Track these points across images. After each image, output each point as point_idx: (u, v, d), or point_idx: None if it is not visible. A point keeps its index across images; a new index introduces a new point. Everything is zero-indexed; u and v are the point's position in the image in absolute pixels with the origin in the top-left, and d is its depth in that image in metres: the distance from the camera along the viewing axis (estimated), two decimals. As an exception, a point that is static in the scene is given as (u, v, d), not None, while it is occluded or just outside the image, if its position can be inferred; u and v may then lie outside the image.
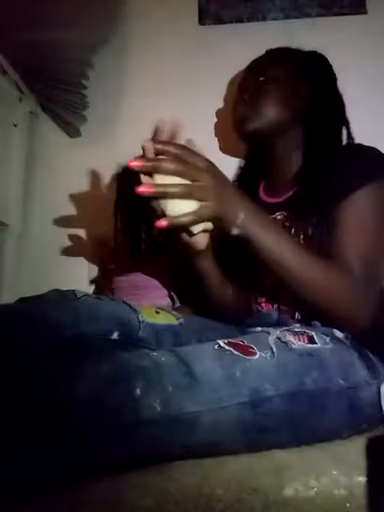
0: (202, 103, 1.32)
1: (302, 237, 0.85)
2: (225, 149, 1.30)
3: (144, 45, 1.38)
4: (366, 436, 0.65)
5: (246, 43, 1.32)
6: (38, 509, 0.52)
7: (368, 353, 0.75)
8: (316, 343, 0.71)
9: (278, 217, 0.91)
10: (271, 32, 1.32)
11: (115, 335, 0.76)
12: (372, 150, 0.87)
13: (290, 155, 0.97)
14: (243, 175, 1.09)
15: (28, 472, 0.52)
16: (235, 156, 1.19)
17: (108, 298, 0.85)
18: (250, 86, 0.99)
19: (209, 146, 1.28)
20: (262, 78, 0.97)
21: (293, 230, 0.86)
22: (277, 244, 0.73)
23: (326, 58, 1.02)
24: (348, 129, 0.98)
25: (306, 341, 0.71)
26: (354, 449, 0.62)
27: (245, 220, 0.69)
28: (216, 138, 1.32)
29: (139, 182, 0.94)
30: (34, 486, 0.52)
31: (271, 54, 1.03)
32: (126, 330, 0.78)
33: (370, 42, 1.31)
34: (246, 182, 1.05)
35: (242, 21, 1.36)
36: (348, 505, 0.54)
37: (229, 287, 0.94)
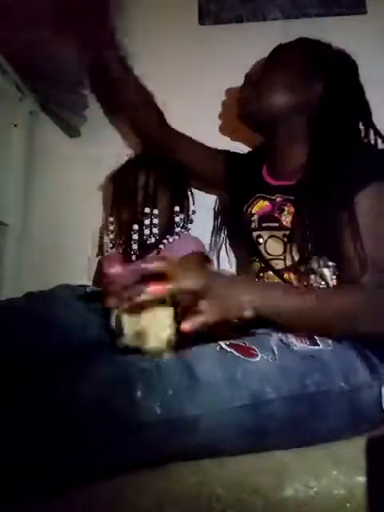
0: (202, 103, 1.32)
1: (297, 222, 0.86)
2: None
3: (144, 45, 1.38)
4: (365, 436, 0.65)
5: (246, 43, 1.32)
6: (39, 509, 0.52)
7: (370, 354, 0.75)
8: (318, 344, 0.71)
9: (278, 199, 0.93)
10: (271, 32, 1.32)
11: None
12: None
13: (293, 146, 0.95)
14: (247, 156, 1.11)
15: (29, 472, 0.52)
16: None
17: None
18: (259, 67, 0.98)
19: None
20: (273, 62, 0.96)
21: (286, 212, 0.89)
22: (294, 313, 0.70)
23: (352, 59, 0.99)
24: (373, 129, 0.94)
25: (308, 342, 0.71)
26: (354, 449, 0.62)
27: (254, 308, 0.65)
28: (216, 139, 1.32)
29: (133, 187, 0.95)
30: (34, 486, 0.52)
31: (296, 41, 0.99)
32: None
33: (370, 41, 1.31)
34: (249, 162, 1.07)
35: (242, 21, 1.36)
36: (348, 505, 0.54)
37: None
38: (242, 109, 0.96)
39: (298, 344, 0.69)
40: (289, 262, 0.89)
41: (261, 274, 0.96)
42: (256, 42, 1.31)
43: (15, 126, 1.29)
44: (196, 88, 1.34)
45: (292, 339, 0.70)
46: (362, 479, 0.56)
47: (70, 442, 0.52)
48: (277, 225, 0.91)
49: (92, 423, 0.53)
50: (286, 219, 0.90)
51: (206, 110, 1.32)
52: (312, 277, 0.85)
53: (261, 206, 0.97)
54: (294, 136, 0.95)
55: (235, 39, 1.34)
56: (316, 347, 0.70)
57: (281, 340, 0.69)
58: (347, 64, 0.99)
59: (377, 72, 1.30)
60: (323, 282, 0.84)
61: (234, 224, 1.05)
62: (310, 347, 0.70)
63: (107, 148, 1.33)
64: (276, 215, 0.92)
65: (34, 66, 1.24)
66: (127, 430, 0.54)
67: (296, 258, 0.87)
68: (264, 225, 0.95)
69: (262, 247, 0.95)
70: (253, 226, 0.97)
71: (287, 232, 0.89)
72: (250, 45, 1.31)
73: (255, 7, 1.36)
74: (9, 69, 1.20)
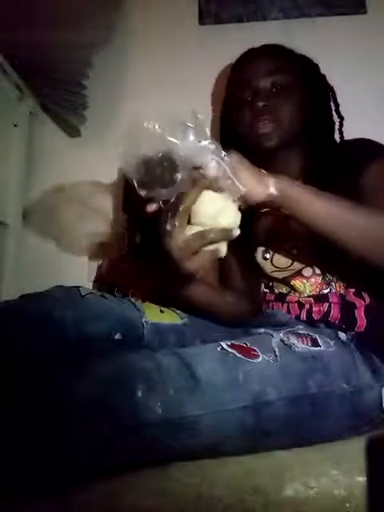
0: (202, 103, 1.32)
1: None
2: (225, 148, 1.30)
3: (144, 45, 1.38)
4: (366, 436, 0.65)
5: (245, 43, 1.32)
6: (39, 509, 0.52)
7: (372, 355, 0.75)
8: (319, 346, 0.71)
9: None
10: (271, 32, 1.32)
11: (118, 336, 0.76)
12: (372, 140, 0.88)
13: (292, 156, 0.95)
14: None
15: (28, 472, 0.52)
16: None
17: (113, 296, 0.85)
18: (261, 96, 0.93)
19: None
20: (275, 89, 0.93)
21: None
22: (315, 197, 0.69)
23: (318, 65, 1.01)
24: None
25: (310, 343, 0.70)
26: (354, 449, 0.62)
27: (276, 183, 0.67)
28: (216, 138, 1.32)
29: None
30: (34, 486, 0.52)
31: (271, 57, 0.99)
32: (129, 330, 0.77)
33: (370, 42, 1.31)
34: None
35: (242, 21, 1.36)
36: (348, 505, 0.54)
37: (225, 296, 0.92)
38: (265, 143, 0.91)
39: (300, 345, 0.69)
40: (297, 269, 0.87)
41: (270, 284, 0.93)
42: (256, 41, 1.31)
43: (15, 125, 1.29)
44: (196, 88, 1.34)
45: (294, 340, 0.69)
46: (361, 479, 0.56)
47: (70, 442, 0.52)
48: (286, 234, 0.89)
49: (92, 423, 0.53)
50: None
51: (206, 109, 1.32)
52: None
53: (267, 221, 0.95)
54: (293, 147, 0.95)
55: (235, 39, 1.34)
56: (318, 348, 0.70)
57: (282, 341, 0.69)
58: (319, 73, 1.01)
59: (376, 72, 1.30)
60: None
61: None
62: (311, 348, 0.69)
63: (107, 148, 1.33)
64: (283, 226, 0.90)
65: (33, 65, 1.24)
66: (127, 430, 0.54)
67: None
68: (271, 239, 0.93)
69: (267, 262, 0.92)
70: (259, 242, 0.95)
71: (299, 242, 0.87)
72: (249, 45, 1.31)
73: (255, 7, 1.36)
74: (9, 69, 1.20)
